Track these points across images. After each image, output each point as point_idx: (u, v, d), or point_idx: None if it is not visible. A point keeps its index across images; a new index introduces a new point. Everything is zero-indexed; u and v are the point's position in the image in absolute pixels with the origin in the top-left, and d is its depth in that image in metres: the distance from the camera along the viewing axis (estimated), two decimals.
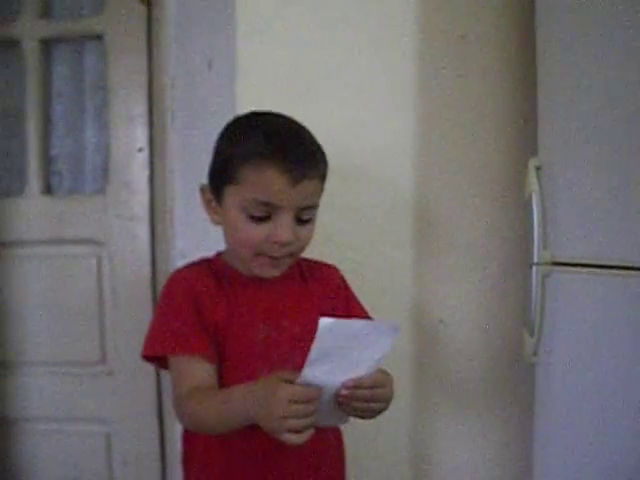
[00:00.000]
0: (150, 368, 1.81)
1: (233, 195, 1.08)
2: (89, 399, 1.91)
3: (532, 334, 1.26)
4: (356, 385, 0.96)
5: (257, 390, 0.95)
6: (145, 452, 1.89)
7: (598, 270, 1.07)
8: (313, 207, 1.11)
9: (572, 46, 1.16)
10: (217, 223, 1.15)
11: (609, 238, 1.06)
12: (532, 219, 1.24)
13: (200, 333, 1.08)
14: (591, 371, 1.11)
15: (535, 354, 1.28)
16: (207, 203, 1.15)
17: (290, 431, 0.89)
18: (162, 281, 1.82)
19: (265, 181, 1.04)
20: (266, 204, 1.05)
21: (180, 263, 1.64)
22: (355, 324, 0.96)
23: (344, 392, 0.96)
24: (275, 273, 1.13)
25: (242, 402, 0.97)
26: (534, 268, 1.24)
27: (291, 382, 0.90)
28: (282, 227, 1.06)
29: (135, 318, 1.85)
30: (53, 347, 1.91)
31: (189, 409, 1.06)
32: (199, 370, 1.08)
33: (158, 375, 1.86)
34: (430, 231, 1.62)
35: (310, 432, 0.91)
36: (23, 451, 1.95)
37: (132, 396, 1.89)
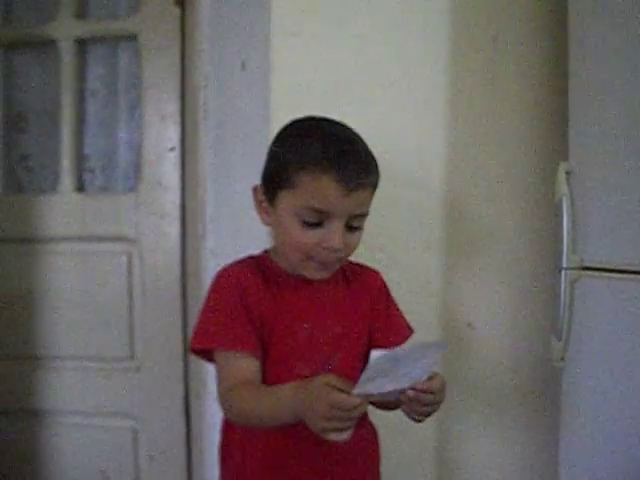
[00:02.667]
0: (178, 364, 1.85)
1: (287, 200, 1.09)
2: (117, 394, 1.94)
3: (560, 339, 1.26)
4: (422, 389, 0.98)
5: (305, 390, 0.97)
6: (171, 447, 1.91)
7: (627, 275, 1.06)
8: (364, 215, 1.13)
9: (604, 49, 1.16)
10: (267, 224, 1.17)
11: (639, 243, 1.05)
12: (562, 223, 1.24)
13: (247, 329, 1.11)
14: (619, 377, 1.10)
15: (562, 359, 1.27)
16: (259, 204, 1.17)
17: (332, 431, 0.92)
18: (192, 279, 1.85)
19: (321, 189, 1.05)
20: (320, 211, 1.06)
21: (210, 261, 1.67)
22: (403, 351, 0.98)
23: (410, 393, 0.98)
24: (324, 275, 1.15)
25: (291, 400, 0.99)
26: (563, 272, 1.23)
27: (339, 388, 0.92)
28: (333, 234, 1.07)
29: (164, 315, 1.88)
30: (83, 342, 1.94)
31: (236, 402, 1.09)
32: (246, 365, 1.10)
33: (185, 371, 1.88)
34: (460, 234, 1.62)
35: (352, 430, 0.93)
36: (51, 444, 1.98)
37: (159, 392, 1.91)
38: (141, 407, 1.92)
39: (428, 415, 1.04)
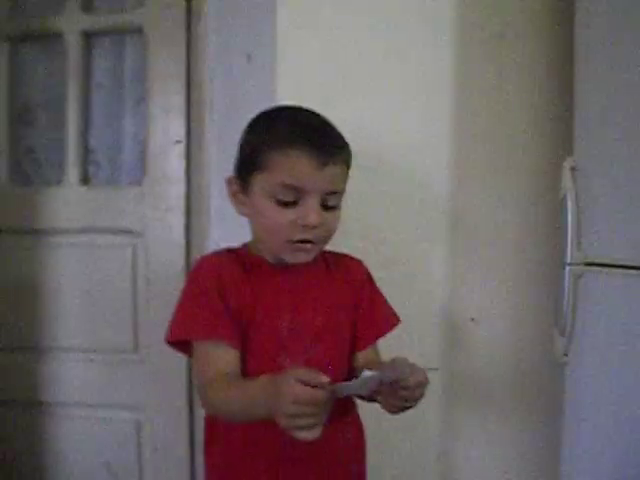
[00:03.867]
0: (182, 357, 1.84)
1: (261, 182, 1.09)
2: (121, 386, 1.94)
3: (563, 334, 1.26)
4: (402, 386, 0.98)
5: (272, 385, 0.94)
6: (175, 439, 1.91)
7: (632, 271, 1.06)
8: (338, 193, 1.12)
9: (610, 45, 1.16)
10: (244, 214, 1.17)
11: None
12: (566, 219, 1.24)
13: (225, 319, 1.09)
14: (622, 373, 1.10)
15: (566, 354, 1.27)
16: (234, 195, 1.17)
17: (298, 428, 0.89)
18: None
19: (292, 165, 1.05)
20: (294, 188, 1.06)
21: None
22: (392, 375, 0.97)
23: (385, 388, 0.98)
24: (305, 258, 1.14)
25: (260, 395, 0.97)
26: (567, 268, 1.23)
27: (306, 382, 0.88)
28: (309, 210, 1.07)
29: (168, 308, 1.83)
30: (87, 334, 1.94)
31: (213, 396, 1.07)
32: (224, 356, 1.09)
33: (189, 364, 1.88)
34: (463, 228, 1.62)
35: (320, 428, 0.89)
36: (56, 435, 1.98)
37: (163, 384, 1.91)
38: (145, 399, 1.93)
39: (403, 410, 1.04)
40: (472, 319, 1.64)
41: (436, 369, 1.00)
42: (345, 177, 1.14)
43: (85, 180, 1.98)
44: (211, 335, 1.10)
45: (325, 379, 0.89)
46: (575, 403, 1.27)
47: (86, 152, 2.00)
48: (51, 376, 1.97)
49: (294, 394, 0.87)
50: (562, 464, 1.32)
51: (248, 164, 1.12)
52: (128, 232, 1.91)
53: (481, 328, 1.64)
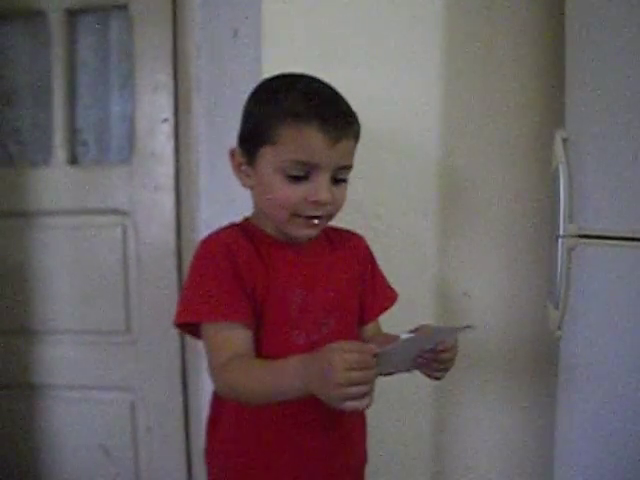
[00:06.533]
0: (174, 337, 1.85)
1: (269, 156, 1.06)
2: (114, 368, 1.94)
3: (557, 307, 1.25)
4: (443, 348, 1.01)
5: (312, 361, 0.91)
6: (169, 420, 1.92)
7: (625, 242, 1.06)
8: (349, 167, 1.10)
9: (601, 15, 1.14)
10: (248, 187, 1.13)
11: (636, 210, 1.05)
12: (558, 191, 1.23)
13: (241, 298, 1.06)
14: (616, 345, 1.10)
15: (559, 328, 1.27)
16: (237, 167, 1.13)
17: (350, 399, 0.87)
18: (187, 250, 1.84)
19: (305, 141, 1.02)
20: (305, 164, 1.04)
21: (204, 232, 1.66)
22: (435, 336, 0.99)
23: (427, 355, 1.00)
24: (311, 233, 1.11)
25: (299, 373, 0.93)
26: (560, 240, 1.23)
27: (352, 350, 0.87)
28: (320, 187, 1.05)
29: (160, 288, 1.87)
30: (79, 316, 1.94)
31: (231, 378, 1.03)
32: (240, 337, 1.05)
33: (182, 344, 1.88)
34: (456, 202, 1.61)
35: (371, 397, 0.88)
36: (49, 418, 1.99)
37: (156, 365, 1.91)
38: (138, 380, 1.93)
39: (447, 370, 1.06)
40: (465, 293, 1.63)
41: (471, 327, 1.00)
42: (355, 150, 1.12)
43: (73, 160, 1.96)
44: (227, 316, 1.05)
45: (372, 347, 0.89)
46: (569, 375, 1.27)
47: (73, 132, 1.98)
48: (43, 359, 1.96)
49: (346, 361, 0.85)
50: (557, 436, 1.33)
51: (255, 136, 1.08)
52: (117, 212, 1.90)
53: (474, 302, 1.64)
